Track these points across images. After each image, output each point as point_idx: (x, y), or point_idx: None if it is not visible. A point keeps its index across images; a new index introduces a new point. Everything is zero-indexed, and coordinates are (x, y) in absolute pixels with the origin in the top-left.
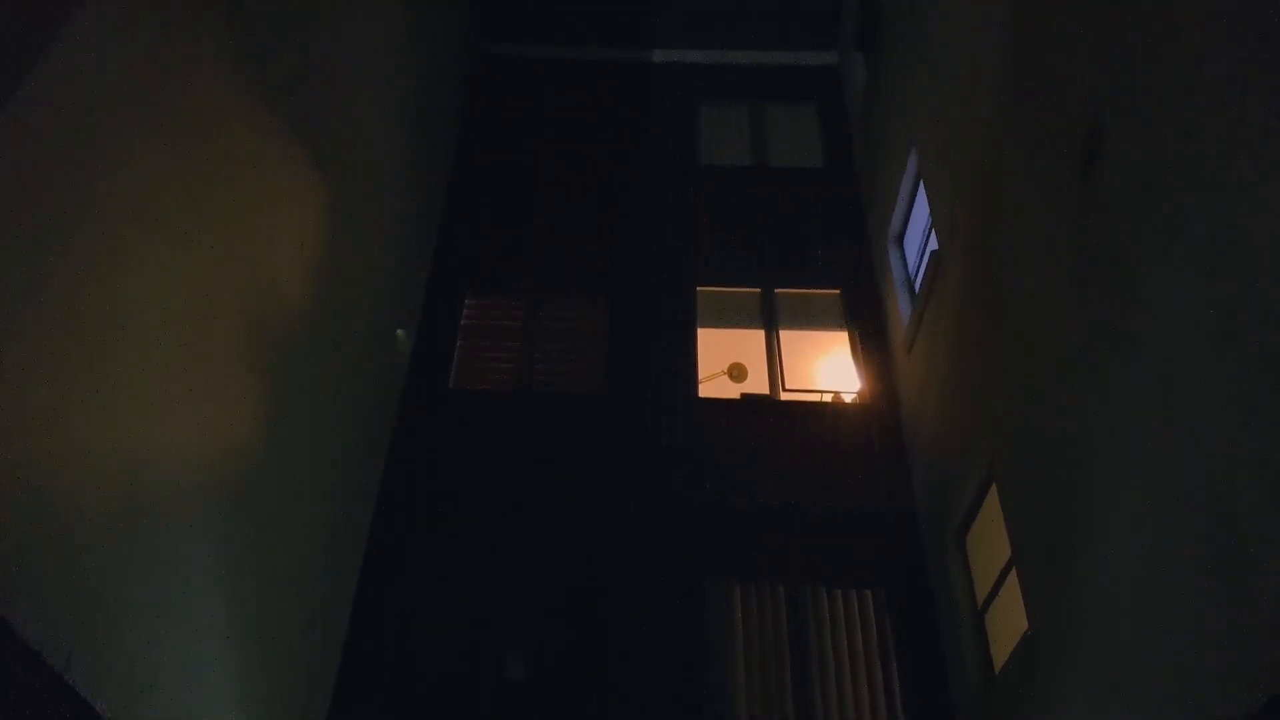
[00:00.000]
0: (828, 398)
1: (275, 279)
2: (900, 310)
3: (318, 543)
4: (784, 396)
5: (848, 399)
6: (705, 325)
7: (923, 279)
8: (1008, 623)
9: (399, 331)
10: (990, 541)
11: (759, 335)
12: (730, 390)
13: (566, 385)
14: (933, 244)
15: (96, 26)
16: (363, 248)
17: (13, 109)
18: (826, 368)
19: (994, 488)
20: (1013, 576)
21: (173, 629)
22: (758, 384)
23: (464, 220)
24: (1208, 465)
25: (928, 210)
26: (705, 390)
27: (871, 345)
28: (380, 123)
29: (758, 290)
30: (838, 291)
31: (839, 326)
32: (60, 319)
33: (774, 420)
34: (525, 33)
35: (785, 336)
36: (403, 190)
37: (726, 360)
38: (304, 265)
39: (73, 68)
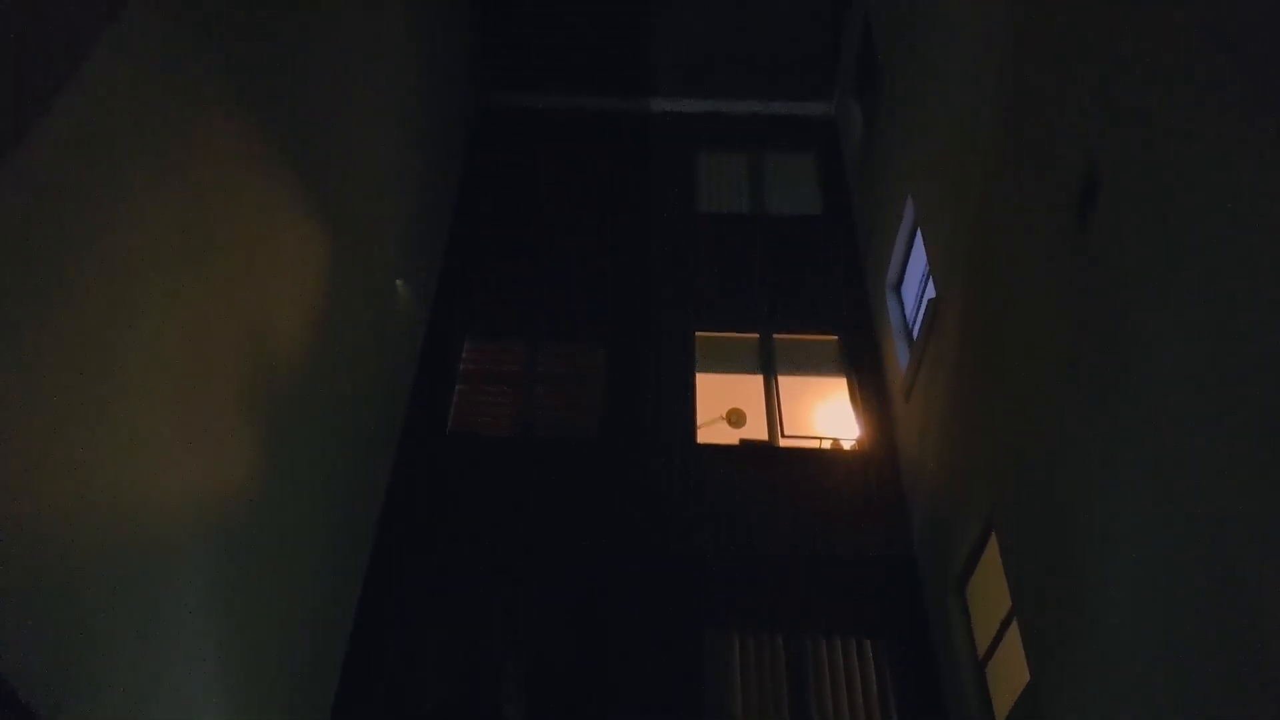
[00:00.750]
0: (826, 444)
1: (276, 323)
2: (898, 357)
3: (313, 588)
4: (783, 443)
5: (846, 445)
6: (704, 370)
7: (920, 326)
8: (1009, 674)
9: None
10: (991, 591)
11: (758, 381)
12: (729, 436)
13: (564, 430)
14: (930, 291)
15: (103, 77)
16: (364, 293)
17: (20, 155)
18: (825, 414)
19: (994, 537)
20: (1014, 627)
21: (165, 675)
22: (756, 430)
23: (464, 265)
24: (1206, 515)
25: (925, 257)
26: (704, 436)
27: (870, 392)
28: (384, 170)
29: (756, 336)
30: (835, 338)
31: (837, 373)
32: (57, 360)
33: (773, 466)
34: (527, 83)
35: (784, 382)
36: (405, 236)
37: (725, 406)
38: (305, 310)
39: (78, 116)
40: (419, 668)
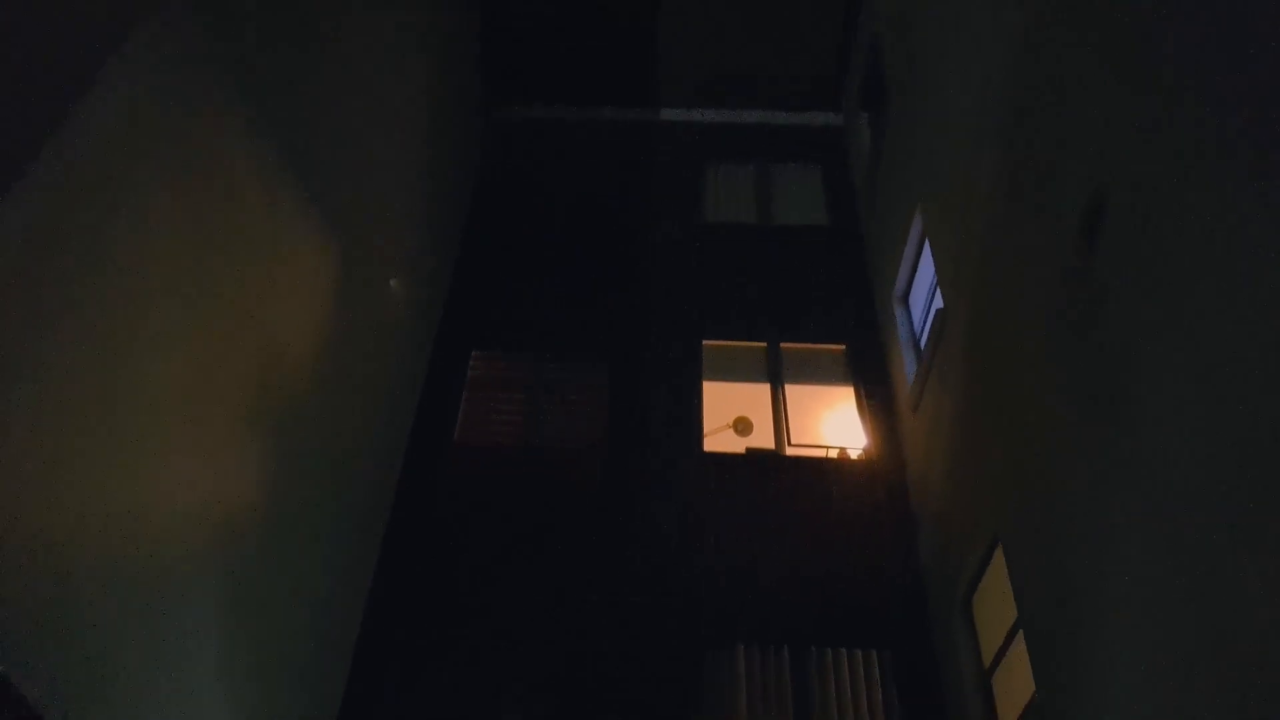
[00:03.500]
0: (833, 453)
1: (283, 338)
2: (906, 368)
3: (319, 602)
4: (789, 451)
5: (853, 455)
6: (711, 379)
7: (928, 337)
8: (1014, 687)
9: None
10: (997, 604)
11: (764, 390)
12: (736, 444)
13: (570, 440)
14: (939, 302)
15: (117, 86)
16: (374, 305)
17: (32, 165)
18: (832, 423)
19: (1000, 549)
20: (1019, 640)
21: (170, 689)
22: (763, 439)
23: (474, 277)
24: (1210, 531)
25: (933, 268)
26: (710, 444)
27: (877, 402)
28: (394, 182)
29: (763, 345)
30: (843, 347)
31: (844, 382)
32: (63, 377)
33: (779, 475)
34: (536, 95)
35: (791, 391)
36: (413, 249)
37: (732, 414)
38: (315, 321)
39: (92, 124)
40: (421, 686)
